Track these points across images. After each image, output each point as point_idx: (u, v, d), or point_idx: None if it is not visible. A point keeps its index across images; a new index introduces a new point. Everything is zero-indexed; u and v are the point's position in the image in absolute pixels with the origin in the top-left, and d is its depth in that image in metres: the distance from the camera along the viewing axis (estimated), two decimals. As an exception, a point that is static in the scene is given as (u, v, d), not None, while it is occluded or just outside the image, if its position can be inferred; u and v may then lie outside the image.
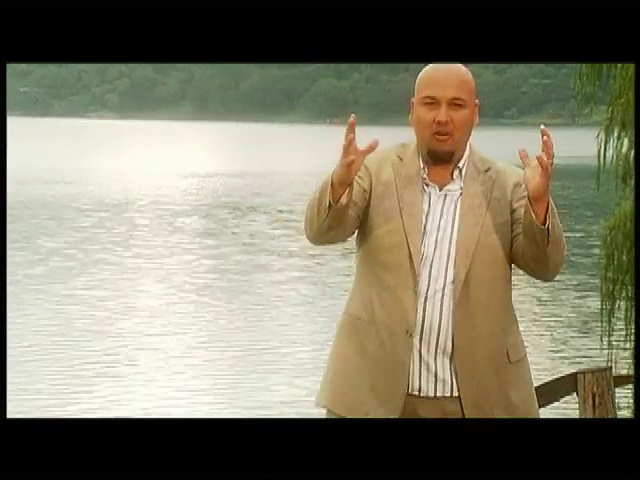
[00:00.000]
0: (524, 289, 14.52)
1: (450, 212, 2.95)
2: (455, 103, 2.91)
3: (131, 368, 10.98)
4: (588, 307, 13.53)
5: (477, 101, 3.00)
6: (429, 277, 2.90)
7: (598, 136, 9.43)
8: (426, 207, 2.95)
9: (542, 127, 2.85)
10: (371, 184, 2.97)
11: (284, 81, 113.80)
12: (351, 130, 2.83)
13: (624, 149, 9.35)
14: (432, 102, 2.91)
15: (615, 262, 8.97)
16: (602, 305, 9.02)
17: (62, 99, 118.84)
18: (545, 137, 2.85)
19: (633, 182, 9.17)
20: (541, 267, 2.92)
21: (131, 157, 47.14)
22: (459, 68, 2.96)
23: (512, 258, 2.96)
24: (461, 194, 2.96)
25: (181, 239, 21.16)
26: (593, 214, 23.23)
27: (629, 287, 8.88)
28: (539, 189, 2.85)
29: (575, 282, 15.85)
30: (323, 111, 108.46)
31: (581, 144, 14.68)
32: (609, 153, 9.43)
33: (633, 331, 8.85)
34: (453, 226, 2.93)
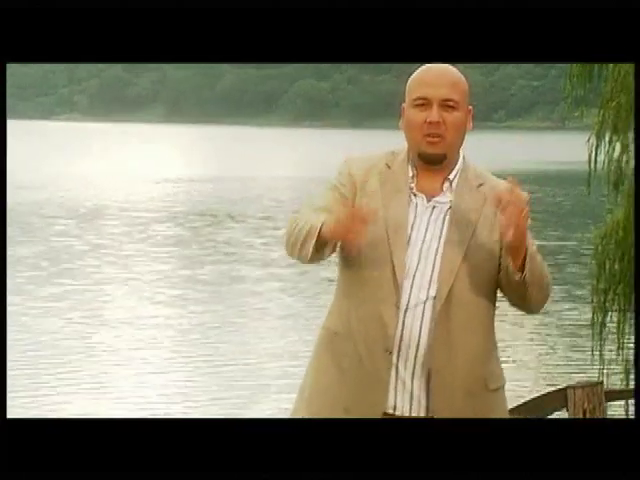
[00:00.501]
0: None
1: (438, 225, 2.95)
2: (447, 104, 2.93)
3: (102, 383, 10.96)
4: (580, 319, 13.60)
5: (471, 107, 3.01)
6: (410, 290, 2.91)
7: (589, 140, 9.47)
8: (412, 217, 2.94)
9: (509, 179, 2.84)
10: (355, 195, 2.97)
11: (262, 82, 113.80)
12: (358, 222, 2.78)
13: (616, 154, 9.39)
14: (423, 103, 2.92)
15: (607, 272, 9.00)
16: (593, 317, 9.04)
17: (28, 100, 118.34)
18: (511, 194, 2.81)
19: (625, 188, 9.23)
20: (522, 305, 2.98)
21: (101, 161, 47.02)
22: (452, 70, 2.98)
23: (498, 284, 2.96)
24: (450, 207, 2.96)
25: (154, 248, 21.14)
26: (584, 222, 23.35)
27: (621, 298, 8.91)
28: (515, 242, 2.86)
29: (566, 293, 15.94)
30: (303, 113, 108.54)
31: (571, 149, 14.76)
32: (600, 158, 9.46)
33: (625, 344, 8.91)
34: (439, 240, 2.93)
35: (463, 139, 3.00)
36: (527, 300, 2.94)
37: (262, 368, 11.51)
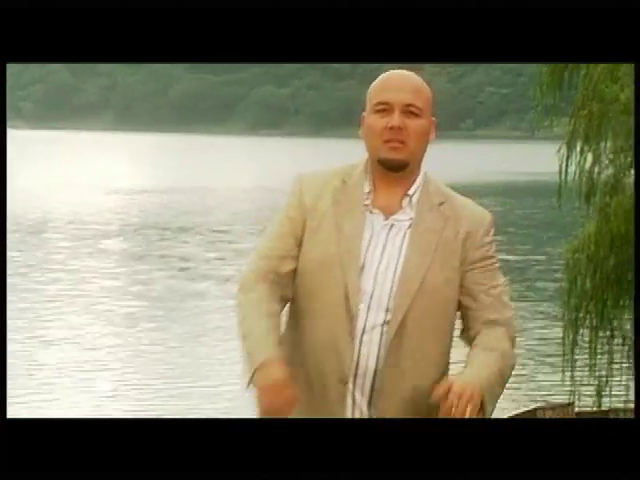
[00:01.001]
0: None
1: (396, 245, 2.92)
2: (410, 110, 2.93)
3: (50, 405, 10.88)
4: (551, 337, 13.69)
5: (434, 118, 3.02)
6: (367, 314, 2.88)
7: (560, 150, 9.54)
8: (368, 237, 2.91)
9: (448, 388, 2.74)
10: (304, 218, 2.95)
11: (218, 88, 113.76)
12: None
13: (587, 165, 9.47)
14: (385, 108, 2.93)
15: (578, 288, 9.08)
16: (564, 335, 9.10)
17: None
18: (449, 401, 2.73)
19: (597, 200, 9.32)
20: None
21: (48, 171, 46.75)
22: (415, 77, 2.99)
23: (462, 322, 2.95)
24: (410, 226, 2.93)
25: (104, 263, 21.04)
26: (555, 235, 23.55)
27: (593, 315, 8.98)
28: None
29: (538, 310, 16.05)
30: (261, 121, 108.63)
31: (542, 159, 14.87)
32: (571, 169, 9.54)
33: (597, 363, 8.98)
34: (397, 261, 2.90)
35: (425, 149, 2.99)
36: None
37: (222, 391, 11.48)
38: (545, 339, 13.96)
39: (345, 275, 2.88)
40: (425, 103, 2.97)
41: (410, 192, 2.97)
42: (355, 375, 2.89)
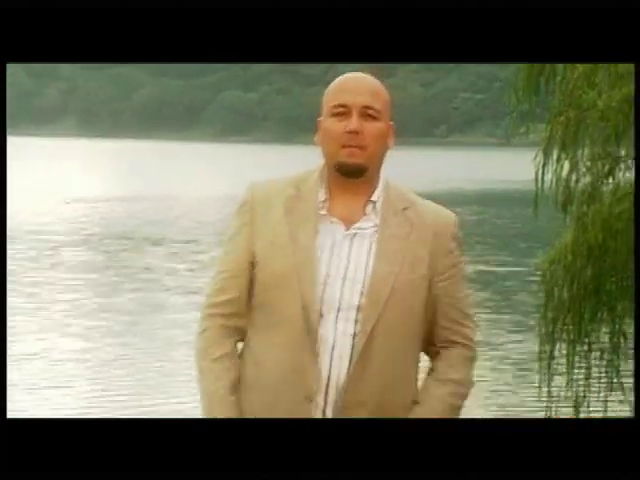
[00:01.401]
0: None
1: (362, 254, 2.90)
2: (368, 113, 2.92)
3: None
4: (527, 351, 13.77)
5: (392, 123, 3.01)
6: (335, 327, 2.87)
7: (536, 158, 9.59)
8: (328, 248, 2.89)
9: None
10: (254, 230, 2.94)
11: (183, 92, 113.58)
12: None
13: (564, 172, 9.53)
14: (342, 111, 2.92)
15: (555, 300, 9.13)
16: (540, 348, 9.14)
17: None
18: None
19: (574, 209, 9.39)
20: None
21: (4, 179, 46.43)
22: (373, 79, 2.99)
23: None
24: (374, 233, 2.92)
25: (65, 274, 20.96)
26: (532, 246, 23.69)
27: (570, 328, 9.04)
28: None
29: (513, 323, 16.13)
30: (228, 127, 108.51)
31: (517, 167, 14.96)
32: (548, 177, 9.58)
33: (575, 378, 9.04)
34: (365, 272, 2.88)
35: (384, 154, 2.97)
36: None
37: (189, 407, 11.46)
38: (522, 353, 14.03)
39: (302, 288, 2.86)
40: (383, 106, 2.96)
41: (374, 198, 2.96)
42: (326, 392, 2.88)
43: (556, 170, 9.50)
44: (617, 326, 9.09)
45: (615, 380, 8.97)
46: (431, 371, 3.00)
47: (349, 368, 2.86)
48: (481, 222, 32.34)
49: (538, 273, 9.91)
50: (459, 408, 2.99)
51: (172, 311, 16.97)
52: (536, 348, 9.24)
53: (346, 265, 2.90)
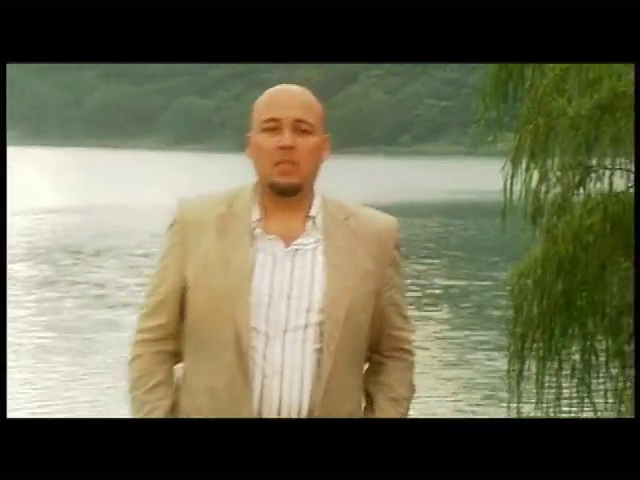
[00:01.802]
0: (433, 350, 14.72)
1: (306, 271, 2.87)
2: (301, 128, 2.89)
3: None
4: (496, 369, 13.80)
5: (327, 135, 2.98)
6: (283, 349, 2.84)
7: (504, 168, 9.62)
8: (269, 266, 2.86)
9: None
10: (185, 252, 2.89)
11: (137, 99, 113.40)
12: None
13: (534, 183, 9.55)
14: (274, 126, 2.89)
15: (524, 316, 9.15)
16: (509, 366, 9.16)
17: None
18: None
19: (544, 221, 9.43)
20: None
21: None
22: (305, 91, 2.98)
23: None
24: (316, 248, 2.89)
25: (12, 290, 20.81)
26: (500, 259, 23.80)
27: (540, 345, 9.06)
28: None
29: (482, 340, 16.16)
30: (183, 134, 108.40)
31: (485, 177, 15.02)
32: (516, 188, 9.61)
33: (545, 397, 9.06)
34: (311, 287, 2.86)
35: (318, 169, 2.95)
36: None
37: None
38: (490, 370, 14.07)
39: (236, 313, 2.82)
40: (317, 119, 2.94)
41: (312, 213, 2.93)
42: (278, 415, 2.87)
43: (525, 180, 9.53)
44: (588, 343, 9.12)
45: (587, 399, 9.00)
46: (382, 386, 3.00)
47: (301, 390, 2.84)
48: (447, 235, 32.47)
49: (507, 288, 9.93)
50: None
51: (124, 328, 16.86)
52: (505, 366, 9.25)
53: (289, 283, 2.87)
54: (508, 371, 9.18)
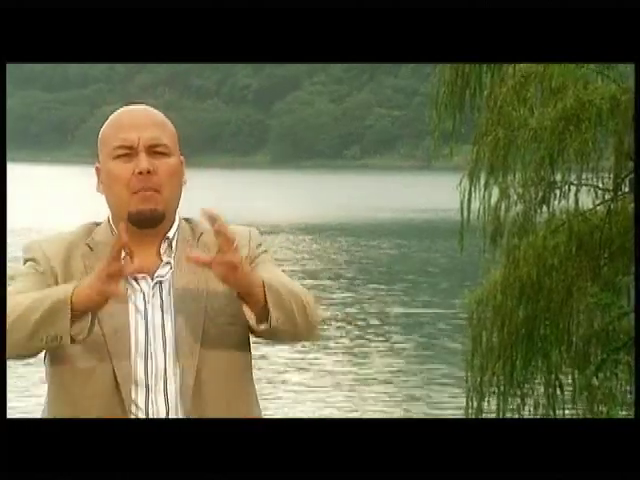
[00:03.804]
0: (383, 385, 14.66)
1: (167, 303, 2.85)
2: (157, 150, 2.87)
3: None
4: (453, 405, 13.82)
5: (183, 158, 2.96)
6: (166, 389, 2.84)
7: (461, 183, 9.64)
8: (142, 308, 2.85)
9: (205, 212, 2.70)
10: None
11: (54, 108, 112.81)
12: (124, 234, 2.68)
13: (493, 200, 9.57)
14: (127, 152, 2.86)
15: (483, 346, 9.18)
16: (467, 403, 9.18)
17: None
18: (216, 227, 2.71)
19: (504, 242, 9.49)
20: (289, 341, 2.95)
21: None
22: (153, 110, 2.97)
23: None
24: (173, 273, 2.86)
25: None
26: (457, 284, 23.90)
27: (501, 378, 9.08)
28: (238, 287, 2.76)
29: (438, 372, 16.20)
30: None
31: (440, 193, 15.07)
32: (474, 205, 9.61)
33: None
34: (171, 322, 2.84)
35: (180, 194, 2.92)
36: (292, 336, 2.89)
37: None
38: (447, 407, 14.10)
39: (114, 363, 2.82)
40: (172, 140, 2.91)
41: (170, 235, 2.90)
42: None
43: (484, 197, 9.55)
44: (553, 376, 9.18)
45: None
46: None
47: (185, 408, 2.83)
48: (399, 257, 32.58)
49: (464, 315, 9.95)
50: (297, 298, 2.83)
51: (35, 363, 16.71)
52: (460, 402, 9.27)
53: (161, 320, 2.85)
54: (466, 408, 9.20)
